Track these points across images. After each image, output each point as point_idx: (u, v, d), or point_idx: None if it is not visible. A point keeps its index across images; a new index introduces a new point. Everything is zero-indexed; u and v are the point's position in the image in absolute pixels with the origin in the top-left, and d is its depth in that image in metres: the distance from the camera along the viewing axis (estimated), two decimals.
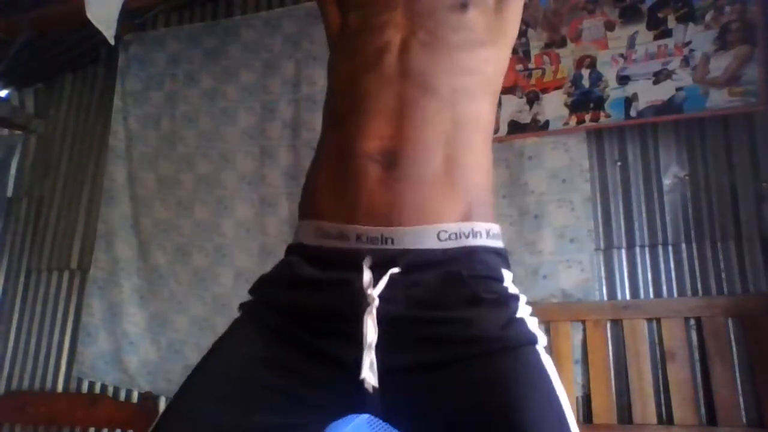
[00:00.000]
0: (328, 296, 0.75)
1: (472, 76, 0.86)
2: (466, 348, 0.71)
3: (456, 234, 0.76)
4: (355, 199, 0.78)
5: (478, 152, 0.83)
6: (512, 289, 0.78)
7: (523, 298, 0.78)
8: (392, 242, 0.75)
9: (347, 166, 0.80)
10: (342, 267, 0.76)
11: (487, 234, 0.79)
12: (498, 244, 0.81)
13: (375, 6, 0.89)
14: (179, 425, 0.71)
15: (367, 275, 0.73)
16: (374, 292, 0.72)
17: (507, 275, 0.79)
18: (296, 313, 0.77)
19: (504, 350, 0.71)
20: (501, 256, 0.81)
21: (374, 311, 0.71)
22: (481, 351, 0.70)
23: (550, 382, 0.70)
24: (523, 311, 0.76)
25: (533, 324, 0.75)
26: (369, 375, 0.70)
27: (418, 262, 0.74)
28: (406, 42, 0.85)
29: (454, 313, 0.73)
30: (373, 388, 0.70)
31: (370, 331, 0.70)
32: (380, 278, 0.73)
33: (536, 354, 0.72)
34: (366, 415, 1.70)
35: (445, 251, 0.75)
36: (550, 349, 2.06)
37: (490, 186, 0.84)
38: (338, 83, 0.91)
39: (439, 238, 0.75)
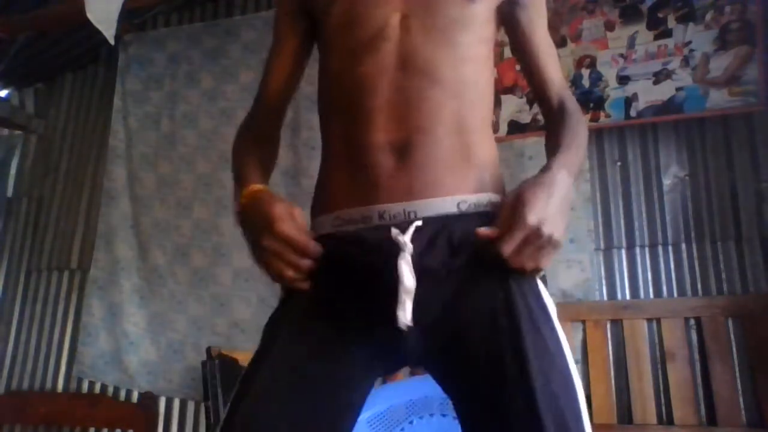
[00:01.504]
0: (360, 265, 0.76)
1: (473, 62, 0.85)
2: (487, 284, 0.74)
3: (475, 204, 0.78)
4: (372, 184, 0.79)
5: (485, 137, 0.85)
6: None
7: None
8: (414, 215, 0.76)
9: (358, 159, 0.80)
10: (370, 243, 0.76)
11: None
12: None
13: None
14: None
15: (394, 231, 0.74)
16: (406, 238, 0.73)
17: None
18: (332, 289, 0.78)
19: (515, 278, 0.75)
20: None
21: (408, 257, 0.72)
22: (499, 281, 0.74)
23: (552, 319, 0.77)
24: None
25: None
26: (403, 315, 0.71)
27: (440, 229, 0.76)
28: (405, 24, 0.83)
29: (477, 265, 0.74)
30: (410, 330, 0.72)
31: (407, 275, 0.72)
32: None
33: (537, 284, 0.79)
34: (366, 415, 1.70)
35: (465, 217, 0.77)
36: None
37: (497, 161, 0.86)
38: (334, 73, 0.88)
39: (459, 208, 0.77)
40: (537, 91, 0.95)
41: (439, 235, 0.75)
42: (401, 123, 0.79)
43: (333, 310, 0.78)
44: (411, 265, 0.72)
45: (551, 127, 0.90)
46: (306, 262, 0.76)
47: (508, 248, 0.69)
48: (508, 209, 0.70)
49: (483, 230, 0.70)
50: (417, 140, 0.78)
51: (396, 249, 0.73)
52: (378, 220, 0.77)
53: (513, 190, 0.73)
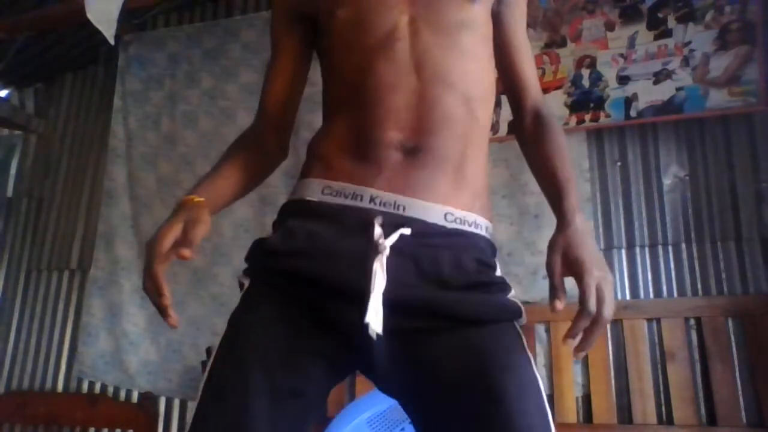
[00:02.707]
0: (339, 259, 0.76)
1: (477, 61, 0.88)
2: (459, 322, 0.75)
3: (461, 219, 0.80)
4: (373, 170, 0.80)
5: (484, 148, 0.88)
6: (501, 279, 0.83)
7: (512, 289, 0.83)
8: (404, 209, 0.78)
9: (367, 149, 0.82)
10: (352, 224, 0.78)
11: (485, 230, 0.85)
12: (492, 241, 0.87)
13: None
14: (217, 411, 0.72)
15: (378, 230, 0.76)
16: (387, 243, 0.74)
17: (498, 266, 0.85)
18: (308, 280, 0.77)
19: (492, 323, 0.76)
20: (494, 250, 0.87)
21: (384, 260, 0.73)
22: (472, 324, 0.75)
23: (528, 356, 0.76)
24: (513, 294, 0.82)
25: (519, 305, 0.80)
26: (374, 319, 0.71)
27: (427, 231, 0.78)
28: (414, 24, 0.85)
29: (455, 295, 0.76)
30: (377, 338, 0.72)
31: (379, 278, 0.72)
32: (390, 235, 0.76)
33: (516, 330, 0.79)
34: (366, 415, 1.71)
35: (449, 231, 0.79)
36: (549, 349, 2.07)
37: (487, 184, 0.89)
38: (346, 70, 0.88)
39: (446, 219, 0.79)
40: (512, 90, 0.97)
41: (420, 255, 0.76)
42: (414, 124, 0.81)
43: (298, 303, 0.77)
44: (385, 269, 0.73)
45: (536, 137, 0.92)
46: (164, 302, 0.81)
47: (587, 346, 0.72)
48: (586, 305, 0.71)
49: (569, 341, 0.73)
50: (426, 143, 0.81)
51: (374, 248, 0.74)
52: (368, 202, 0.78)
53: (572, 262, 0.74)
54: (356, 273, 0.73)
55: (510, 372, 0.71)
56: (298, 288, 0.77)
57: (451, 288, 0.76)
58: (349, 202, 0.79)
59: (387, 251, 0.74)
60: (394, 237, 0.75)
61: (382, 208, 0.78)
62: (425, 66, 0.83)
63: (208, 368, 0.77)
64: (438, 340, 0.74)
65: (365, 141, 0.82)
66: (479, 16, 0.89)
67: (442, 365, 0.73)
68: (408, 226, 0.77)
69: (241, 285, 0.84)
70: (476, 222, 0.82)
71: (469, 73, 0.85)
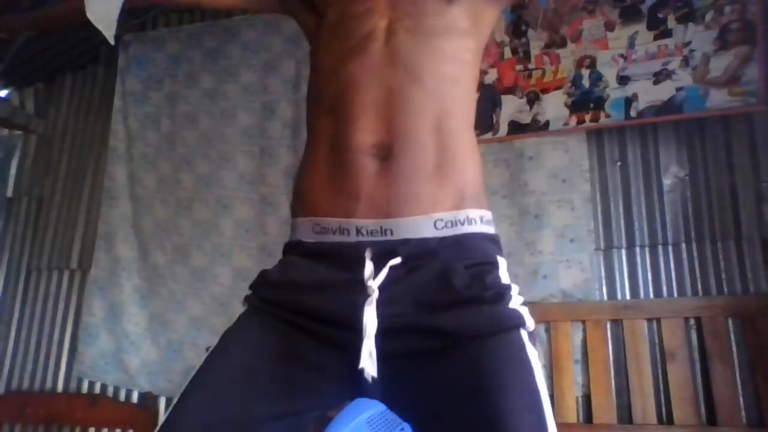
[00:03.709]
0: (332, 292, 0.77)
1: (455, 64, 0.88)
2: (453, 340, 0.73)
3: (452, 222, 0.79)
4: (352, 193, 0.80)
5: (466, 140, 0.86)
6: (505, 279, 0.81)
7: (515, 288, 0.80)
8: (391, 233, 0.78)
9: (341, 161, 0.82)
10: (344, 261, 0.78)
11: (481, 220, 0.82)
12: (491, 230, 0.84)
13: None
14: (186, 423, 0.71)
15: (368, 268, 0.76)
16: (374, 284, 0.74)
17: (502, 262, 0.82)
18: (301, 310, 0.78)
19: (489, 336, 0.73)
20: (495, 242, 0.84)
21: (374, 302, 0.73)
22: (468, 339, 0.73)
23: (531, 369, 0.72)
24: (516, 301, 0.78)
25: (525, 311, 0.77)
26: (368, 364, 0.72)
27: (417, 253, 0.77)
28: (391, 27, 0.87)
29: (446, 315, 0.74)
30: (372, 376, 0.72)
31: (370, 322, 0.72)
32: (381, 269, 0.76)
33: (520, 340, 0.74)
34: (366, 415, 1.71)
35: (442, 239, 0.78)
36: (549, 349, 2.07)
37: (479, 173, 0.86)
38: (324, 73, 0.91)
39: (435, 227, 0.78)
40: None
41: (412, 280, 0.75)
42: (384, 123, 0.81)
43: (305, 322, 0.77)
44: (375, 310, 0.73)
45: None
46: None
47: None
48: None
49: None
50: (398, 143, 0.80)
51: (364, 292, 0.74)
52: (356, 235, 0.78)
53: None
54: (349, 311, 0.74)
55: (505, 390, 0.68)
56: (293, 317, 0.78)
57: (444, 308, 0.74)
58: (338, 238, 0.80)
59: (376, 294, 0.74)
60: (382, 275, 0.75)
61: (370, 238, 0.78)
62: (397, 63, 0.84)
63: (191, 378, 0.77)
64: (433, 361, 0.73)
65: (340, 149, 0.82)
66: (459, 22, 0.90)
67: (438, 389, 0.72)
68: (398, 252, 0.76)
69: (243, 306, 0.86)
70: (468, 217, 0.80)
71: (442, 73, 0.86)
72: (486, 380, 0.69)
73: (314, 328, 0.76)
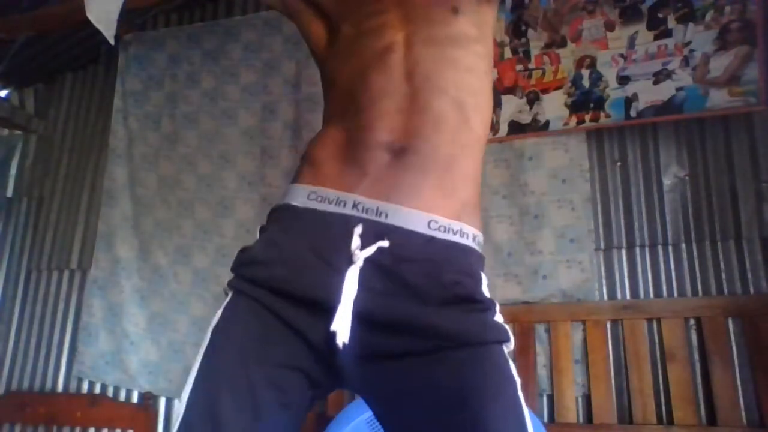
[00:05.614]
0: (316, 267, 0.77)
1: (473, 73, 0.89)
2: (439, 342, 0.73)
3: (445, 228, 0.79)
4: (359, 175, 0.81)
5: (475, 160, 0.87)
6: (487, 294, 0.81)
7: (497, 304, 0.81)
8: (386, 216, 0.78)
9: (356, 152, 0.83)
10: (331, 231, 0.78)
11: (473, 239, 0.83)
12: (479, 250, 0.85)
13: (366, 13, 0.91)
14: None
15: (356, 241, 0.76)
16: (361, 255, 0.74)
17: (484, 279, 0.83)
18: (285, 290, 0.77)
19: (475, 345, 0.74)
20: (481, 260, 0.85)
21: (357, 270, 0.74)
22: (454, 345, 0.73)
23: (515, 384, 0.73)
24: (499, 317, 0.79)
25: (506, 328, 0.78)
26: (340, 327, 0.71)
27: (404, 243, 0.77)
28: (408, 40, 0.88)
29: (432, 310, 0.75)
30: (353, 362, 0.72)
31: (350, 286, 0.73)
32: (367, 248, 0.76)
33: (503, 355, 0.76)
34: (366, 415, 1.71)
35: (431, 240, 0.78)
36: (549, 349, 2.07)
37: (479, 197, 0.88)
38: (342, 85, 0.92)
39: (429, 227, 0.78)
40: None
41: (398, 269, 0.75)
42: (404, 126, 0.82)
43: (277, 316, 0.77)
44: (358, 281, 0.73)
45: None
46: None
47: None
48: None
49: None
50: (414, 144, 0.81)
51: (349, 259, 0.74)
52: (351, 208, 0.79)
53: None
54: (331, 283, 0.74)
55: (492, 401, 0.69)
56: (276, 299, 0.77)
57: (429, 303, 0.75)
58: (332, 208, 0.80)
59: (361, 262, 0.74)
60: (371, 249, 0.75)
61: (364, 215, 0.78)
62: (417, 74, 0.85)
63: (190, 385, 0.76)
64: (417, 365, 0.73)
65: (355, 142, 0.84)
66: (467, 30, 0.91)
67: (421, 394, 0.72)
68: (388, 236, 0.76)
69: (226, 294, 0.84)
70: (462, 230, 0.80)
71: (462, 82, 0.87)
72: (473, 389, 0.70)
73: (295, 313, 0.75)
